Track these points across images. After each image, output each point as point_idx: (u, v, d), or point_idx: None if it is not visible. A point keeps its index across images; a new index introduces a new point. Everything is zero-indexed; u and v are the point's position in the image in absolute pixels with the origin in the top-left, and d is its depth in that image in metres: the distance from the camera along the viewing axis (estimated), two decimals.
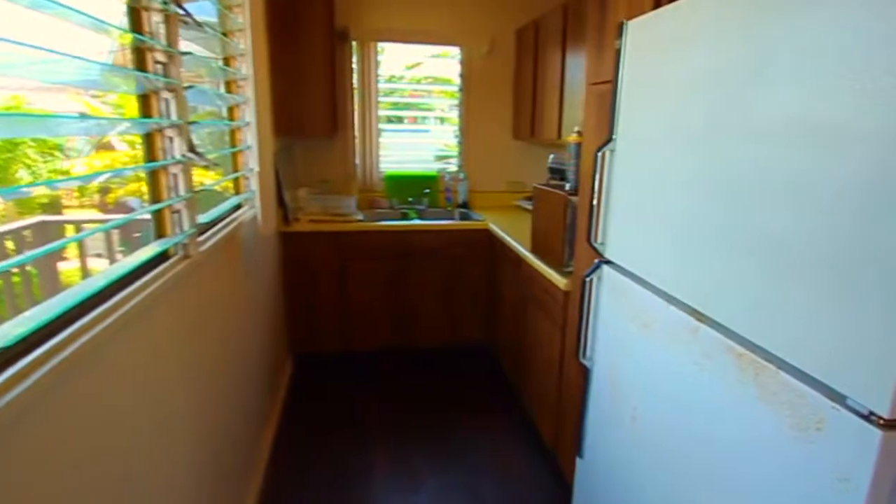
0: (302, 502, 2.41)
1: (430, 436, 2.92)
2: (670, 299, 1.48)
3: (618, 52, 1.69)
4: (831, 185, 0.96)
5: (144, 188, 1.62)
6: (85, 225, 3.67)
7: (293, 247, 3.46)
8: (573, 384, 2.25)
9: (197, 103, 2.00)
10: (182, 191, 1.58)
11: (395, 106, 4.35)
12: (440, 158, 4.42)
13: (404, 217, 4.00)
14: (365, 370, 3.65)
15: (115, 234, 3.57)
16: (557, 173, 2.79)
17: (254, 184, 2.41)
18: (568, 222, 2.30)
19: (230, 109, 2.44)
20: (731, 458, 1.24)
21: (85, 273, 3.31)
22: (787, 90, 1.06)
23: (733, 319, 1.23)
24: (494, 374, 3.60)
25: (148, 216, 1.54)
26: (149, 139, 1.52)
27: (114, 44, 1.57)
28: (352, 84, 3.99)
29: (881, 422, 0.88)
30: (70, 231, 3.57)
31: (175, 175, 1.57)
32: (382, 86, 4.12)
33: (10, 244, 3.03)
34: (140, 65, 1.47)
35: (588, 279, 1.90)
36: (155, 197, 1.56)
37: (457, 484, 2.55)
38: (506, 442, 2.88)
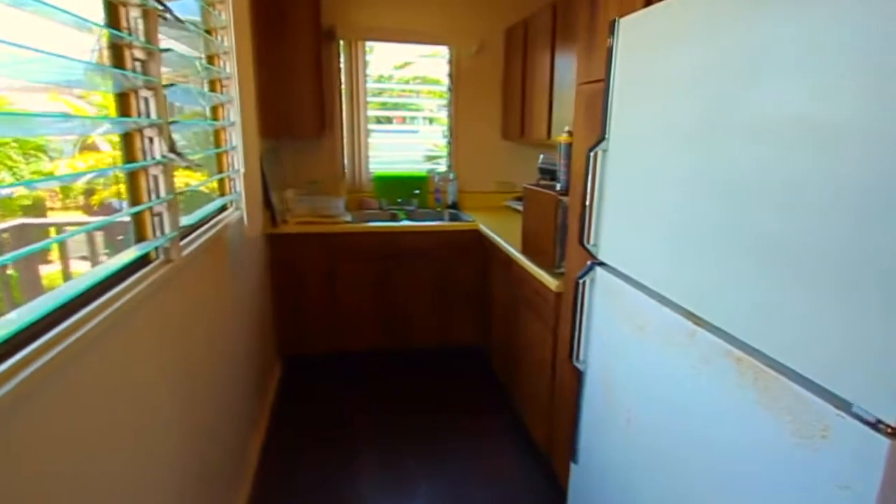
0: None
1: (420, 438, 2.89)
2: (666, 302, 1.45)
3: (610, 51, 1.67)
4: (832, 184, 0.93)
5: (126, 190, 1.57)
6: (67, 228, 3.59)
7: (281, 248, 3.41)
8: (566, 387, 2.22)
9: (178, 102, 1.95)
10: (163, 193, 1.54)
11: (384, 106, 4.31)
12: (429, 159, 4.39)
13: (393, 218, 3.96)
14: (355, 372, 3.61)
15: (100, 237, 3.51)
16: (548, 173, 2.76)
17: (239, 185, 2.36)
18: (559, 223, 2.27)
19: (214, 109, 2.39)
20: (730, 465, 1.21)
21: (67, 276, 3.24)
22: (785, 87, 1.03)
23: (731, 323, 1.20)
24: (485, 376, 3.57)
25: (130, 219, 1.50)
26: (127, 139, 1.48)
27: (97, 42, 1.53)
28: (339, 84, 3.95)
29: (889, 430, 0.85)
30: (53, 234, 3.49)
31: (155, 177, 1.52)
32: (371, 86, 4.08)
33: None
34: (118, 62, 1.42)
35: (581, 281, 1.87)
36: (134, 199, 1.51)
37: (447, 487, 2.52)
38: (497, 444, 2.85)
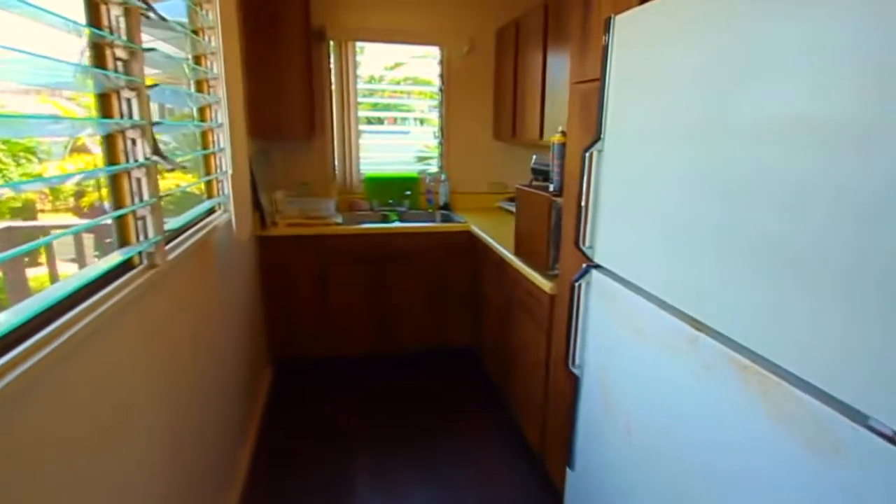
0: None
1: (414, 442, 2.85)
2: (665, 306, 1.42)
3: (605, 49, 1.63)
4: (838, 185, 0.90)
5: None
6: (54, 231, 3.55)
7: (271, 251, 3.37)
8: (560, 392, 2.19)
9: (163, 103, 1.91)
10: (146, 196, 1.50)
11: (375, 107, 4.27)
12: (421, 160, 4.35)
13: (385, 219, 3.93)
14: (347, 375, 3.57)
15: (89, 239, 3.45)
16: (540, 174, 2.73)
17: (227, 187, 2.32)
18: (552, 224, 2.24)
19: (202, 110, 2.35)
20: (736, 477, 1.17)
21: (54, 279, 3.19)
22: (785, 85, 1.00)
23: (734, 328, 1.16)
24: (479, 378, 3.54)
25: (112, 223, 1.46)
26: (109, 141, 1.43)
27: (86, 44, 1.49)
28: (330, 84, 3.91)
29: None
30: (41, 237, 3.44)
31: (139, 179, 1.48)
32: (362, 86, 4.05)
33: None
34: (99, 62, 1.38)
35: (576, 284, 1.84)
36: (117, 203, 1.47)
37: (441, 492, 2.48)
38: (492, 447, 2.82)
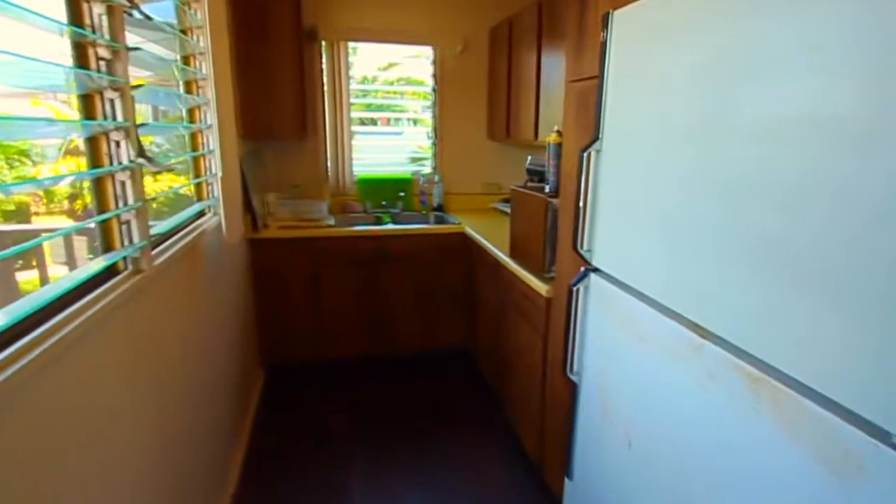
0: None
1: (408, 446, 2.81)
2: (667, 311, 1.37)
3: (603, 45, 1.59)
4: (849, 186, 0.86)
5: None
6: (44, 234, 3.50)
7: (263, 254, 3.32)
8: (558, 398, 2.15)
9: (149, 104, 1.86)
10: (131, 199, 1.45)
11: (369, 107, 4.23)
12: (414, 160, 4.31)
13: (378, 221, 3.89)
14: (340, 378, 3.53)
15: (83, 242, 3.40)
16: (536, 175, 2.70)
17: (217, 189, 2.27)
18: (548, 226, 2.20)
19: (191, 111, 2.30)
20: (743, 492, 1.12)
21: (45, 282, 3.14)
22: (789, 83, 0.97)
23: (741, 335, 1.12)
24: (474, 380, 3.50)
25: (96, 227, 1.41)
26: (93, 143, 1.39)
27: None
28: (322, 85, 3.87)
29: None
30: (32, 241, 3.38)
31: (123, 182, 1.44)
32: (355, 87, 4.01)
33: None
34: (82, 62, 1.33)
35: (574, 289, 1.80)
36: (101, 206, 1.42)
37: (436, 497, 2.45)
38: (488, 452, 2.78)
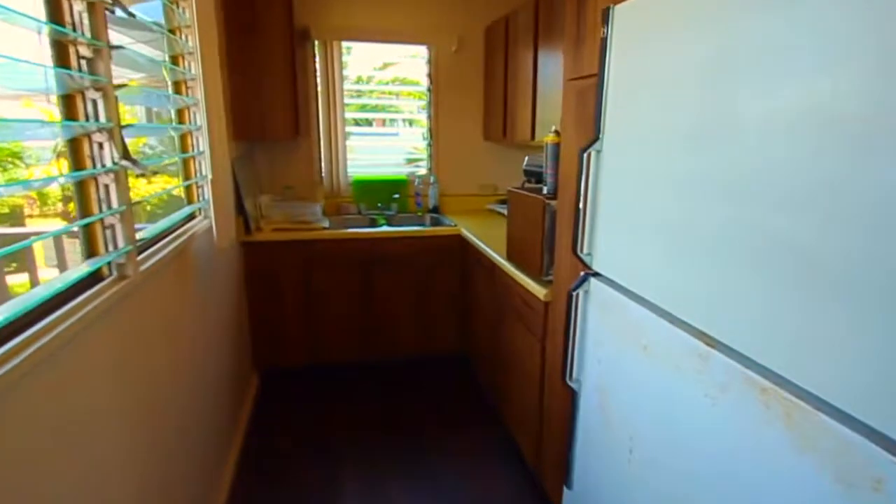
0: None
1: (404, 453, 2.76)
2: (672, 319, 1.32)
3: (603, 42, 1.54)
4: (864, 189, 0.82)
5: None
6: (31, 238, 3.45)
7: (256, 257, 3.27)
8: (557, 405, 2.10)
9: (134, 104, 1.81)
10: (115, 203, 1.40)
11: (364, 108, 4.18)
12: (410, 161, 4.26)
13: (372, 223, 3.84)
14: (334, 383, 3.47)
15: (76, 245, 3.35)
16: (533, 176, 2.65)
17: (207, 192, 2.21)
18: (546, 228, 2.15)
19: (180, 112, 2.24)
20: None
21: (34, 286, 3.10)
22: (804, 80, 0.92)
23: (751, 345, 1.06)
24: (470, 386, 3.45)
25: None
26: (74, 145, 1.34)
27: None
28: (316, 85, 3.82)
29: None
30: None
31: (107, 186, 1.38)
32: (349, 87, 3.95)
33: None
34: (62, 61, 1.28)
35: (574, 294, 1.75)
36: (84, 211, 1.37)
37: None
38: (485, 459, 2.73)
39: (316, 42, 3.76)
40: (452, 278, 3.62)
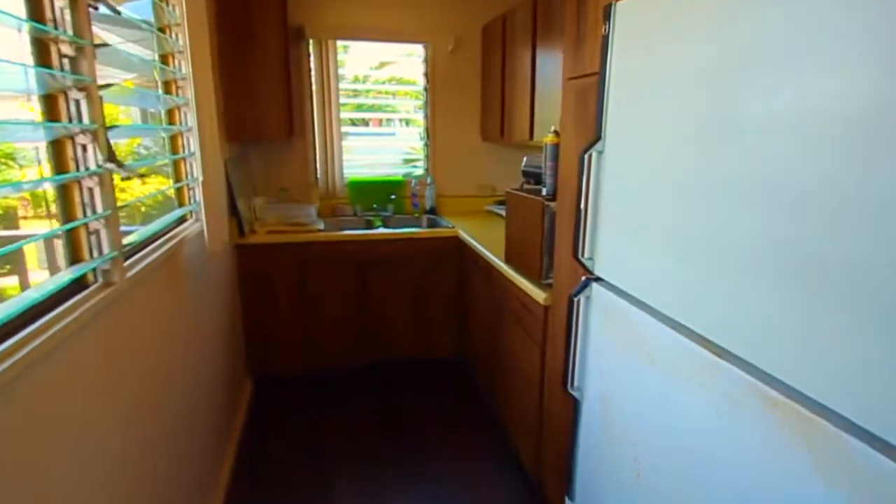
0: None
1: (400, 457, 2.71)
2: (678, 326, 1.27)
3: (605, 40, 1.50)
4: (880, 187, 0.77)
5: None
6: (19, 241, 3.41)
7: (250, 260, 3.22)
8: (558, 413, 2.06)
9: (120, 104, 1.76)
10: (100, 207, 1.35)
11: (360, 108, 4.13)
12: (407, 162, 4.21)
13: (369, 225, 3.79)
14: (330, 387, 3.42)
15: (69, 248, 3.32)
16: (532, 177, 2.60)
17: (198, 194, 2.16)
18: (546, 230, 2.11)
19: (170, 112, 2.19)
20: None
21: (24, 289, 3.06)
22: (815, 78, 0.88)
23: (763, 356, 1.01)
24: (468, 390, 3.41)
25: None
26: (57, 147, 1.28)
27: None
28: (311, 85, 3.76)
29: None
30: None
31: (91, 189, 1.33)
32: (345, 87, 3.90)
33: None
34: (43, 60, 1.23)
35: (575, 299, 1.70)
36: (67, 215, 1.32)
37: None
38: (483, 465, 2.68)
39: (311, 41, 3.70)
40: (450, 280, 3.57)
